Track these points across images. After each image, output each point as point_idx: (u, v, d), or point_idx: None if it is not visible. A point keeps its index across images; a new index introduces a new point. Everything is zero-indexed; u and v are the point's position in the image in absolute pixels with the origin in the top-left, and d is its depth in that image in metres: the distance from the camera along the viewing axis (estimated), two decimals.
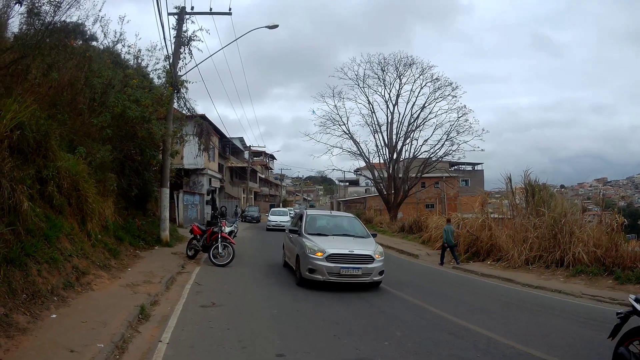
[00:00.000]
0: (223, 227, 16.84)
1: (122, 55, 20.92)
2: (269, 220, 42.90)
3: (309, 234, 14.10)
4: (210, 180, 44.24)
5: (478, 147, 40.81)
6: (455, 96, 41.54)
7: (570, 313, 11.03)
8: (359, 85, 44.48)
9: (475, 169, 77.93)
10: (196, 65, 21.73)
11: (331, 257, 12.61)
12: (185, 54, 21.02)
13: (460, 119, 41.17)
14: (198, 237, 17.49)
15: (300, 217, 15.85)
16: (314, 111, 54.07)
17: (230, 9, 22.19)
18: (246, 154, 70.64)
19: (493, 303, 12.30)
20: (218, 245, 16.50)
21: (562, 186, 71.55)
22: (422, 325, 9.31)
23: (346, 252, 12.82)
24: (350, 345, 7.72)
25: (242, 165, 67.38)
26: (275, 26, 23.57)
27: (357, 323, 9.16)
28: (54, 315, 7.85)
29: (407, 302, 11.87)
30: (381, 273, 13.16)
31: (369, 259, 12.93)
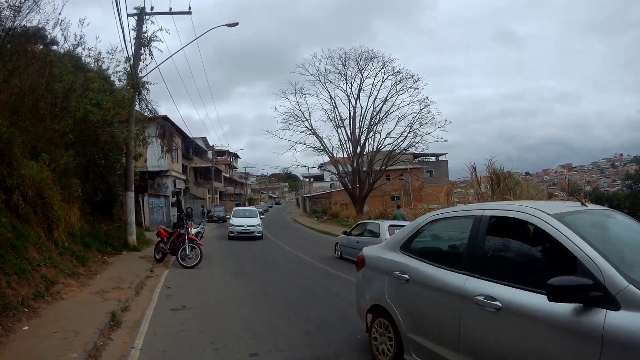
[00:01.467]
0: (189, 229, 16.84)
1: (83, 59, 20.70)
2: (232, 225, 30.75)
3: None
4: (174, 181, 43.92)
5: (441, 138, 41.38)
6: (417, 88, 42.04)
7: None
8: (320, 80, 44.68)
9: (440, 159, 79.03)
10: (157, 66, 21.62)
11: None
12: (145, 55, 20.90)
13: (422, 111, 41.68)
14: (165, 239, 17.45)
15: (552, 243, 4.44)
16: (275, 108, 54.76)
17: (190, 8, 22.16)
18: (209, 154, 70.32)
19: None
20: (185, 247, 16.47)
21: (527, 173, 73.13)
22: None
23: None
24: (322, 340, 7.85)
25: (206, 165, 67.00)
26: (235, 24, 23.56)
27: (330, 319, 9.25)
28: (26, 327, 7.82)
29: None
30: None
31: None
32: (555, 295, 3.81)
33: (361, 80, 43.80)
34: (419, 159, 71.58)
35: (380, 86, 43.25)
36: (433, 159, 78.71)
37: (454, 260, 5.53)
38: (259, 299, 11.37)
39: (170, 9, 22.10)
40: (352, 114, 44.36)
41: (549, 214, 4.61)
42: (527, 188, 20.20)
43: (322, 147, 44.98)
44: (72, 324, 8.18)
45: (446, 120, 43.72)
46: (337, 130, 45.37)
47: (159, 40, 21.09)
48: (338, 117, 44.90)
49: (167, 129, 31.18)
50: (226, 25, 23.50)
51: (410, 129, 42.01)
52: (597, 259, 3.90)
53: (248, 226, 30.30)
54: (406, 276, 5.98)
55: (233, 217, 32.21)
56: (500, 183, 20.56)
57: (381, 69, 43.04)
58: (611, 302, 3.66)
